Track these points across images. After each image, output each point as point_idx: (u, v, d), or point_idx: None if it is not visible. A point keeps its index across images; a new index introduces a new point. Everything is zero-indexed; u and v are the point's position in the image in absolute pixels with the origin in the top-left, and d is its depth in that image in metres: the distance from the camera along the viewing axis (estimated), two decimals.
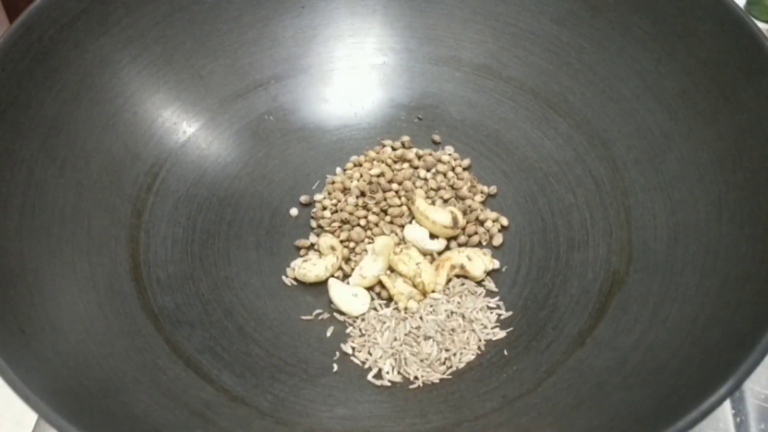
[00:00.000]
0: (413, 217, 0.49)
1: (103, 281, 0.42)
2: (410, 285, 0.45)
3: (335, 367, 0.43)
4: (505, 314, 0.45)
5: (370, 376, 0.42)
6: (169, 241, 0.47)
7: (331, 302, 0.45)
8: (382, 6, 0.54)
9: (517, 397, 0.40)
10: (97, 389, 0.36)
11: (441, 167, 0.51)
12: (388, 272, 0.46)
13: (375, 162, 0.51)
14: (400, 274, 0.46)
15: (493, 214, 0.49)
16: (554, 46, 0.51)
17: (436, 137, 0.53)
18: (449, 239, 0.48)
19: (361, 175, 0.50)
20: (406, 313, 0.44)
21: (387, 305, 0.45)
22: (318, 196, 0.50)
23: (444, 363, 0.43)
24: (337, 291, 0.45)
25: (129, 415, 0.36)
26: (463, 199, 0.50)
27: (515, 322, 0.44)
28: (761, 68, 0.41)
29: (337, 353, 0.43)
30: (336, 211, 0.49)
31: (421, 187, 0.50)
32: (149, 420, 0.36)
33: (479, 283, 0.46)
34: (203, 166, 0.50)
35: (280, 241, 0.48)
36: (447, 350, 0.43)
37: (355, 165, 0.52)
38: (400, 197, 0.49)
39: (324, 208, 0.49)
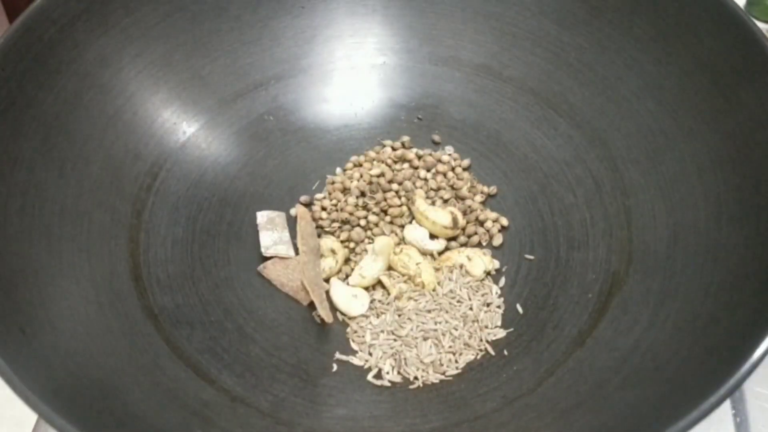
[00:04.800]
0: (413, 218, 0.49)
1: (103, 281, 0.42)
2: (410, 285, 0.45)
3: (335, 367, 0.43)
4: (504, 314, 0.45)
5: (370, 376, 0.42)
6: (169, 241, 0.47)
7: (331, 302, 0.45)
8: (382, 6, 0.54)
9: (517, 397, 0.40)
10: (97, 389, 0.36)
11: (441, 167, 0.51)
12: (388, 272, 0.46)
13: (375, 162, 0.51)
14: (400, 274, 0.46)
15: (493, 214, 0.49)
16: (554, 46, 0.51)
17: (436, 137, 0.53)
18: (449, 239, 0.48)
19: (361, 175, 0.50)
20: (405, 313, 0.44)
21: (387, 305, 0.45)
22: (318, 196, 0.50)
23: (444, 363, 0.43)
24: (337, 291, 0.45)
25: (129, 415, 0.36)
26: (463, 199, 0.50)
27: (515, 322, 0.44)
28: (761, 68, 0.41)
29: (337, 353, 0.43)
30: (336, 212, 0.49)
31: (421, 188, 0.50)
32: (149, 420, 0.36)
33: (479, 283, 0.46)
34: (203, 166, 0.50)
35: None
36: (447, 350, 0.43)
37: (355, 165, 0.52)
38: (400, 197, 0.49)
39: (324, 209, 0.49)
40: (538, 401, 0.39)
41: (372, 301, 0.45)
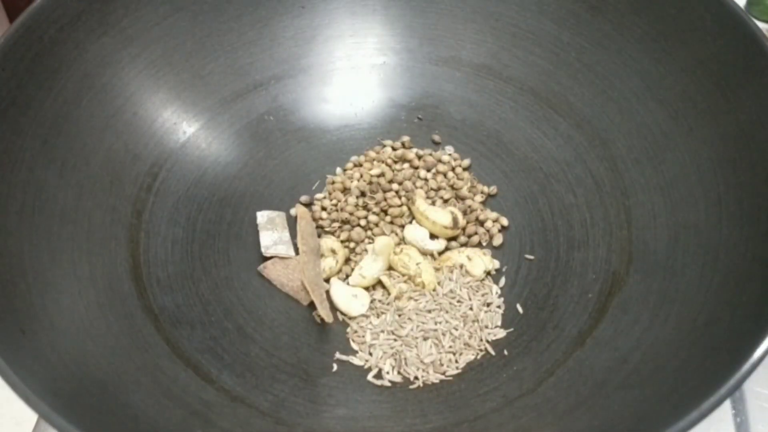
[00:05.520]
0: (413, 218, 0.49)
1: (103, 281, 0.42)
2: (410, 285, 0.45)
3: (335, 367, 0.43)
4: (504, 314, 0.45)
5: (370, 376, 0.42)
6: (169, 241, 0.47)
7: (331, 302, 0.45)
8: (382, 6, 0.54)
9: (517, 397, 0.40)
10: (97, 389, 0.36)
11: (441, 167, 0.51)
12: (388, 272, 0.46)
13: (375, 162, 0.51)
14: (400, 274, 0.46)
15: (493, 214, 0.49)
16: (554, 46, 0.51)
17: (436, 137, 0.53)
18: (449, 239, 0.48)
19: (362, 175, 0.50)
20: (406, 313, 0.44)
21: (387, 305, 0.45)
22: (318, 196, 0.50)
23: (444, 363, 0.43)
24: (337, 291, 0.45)
25: (129, 415, 0.36)
26: (463, 199, 0.50)
27: (515, 322, 0.44)
28: (761, 68, 0.41)
29: (337, 353, 0.43)
30: (336, 212, 0.49)
31: (421, 188, 0.50)
32: (149, 420, 0.36)
33: (479, 283, 0.46)
34: (203, 166, 0.50)
35: None
36: (447, 350, 0.43)
37: (355, 165, 0.52)
38: (400, 197, 0.49)
39: (324, 209, 0.49)
40: (538, 401, 0.39)
41: (372, 301, 0.45)
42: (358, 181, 0.50)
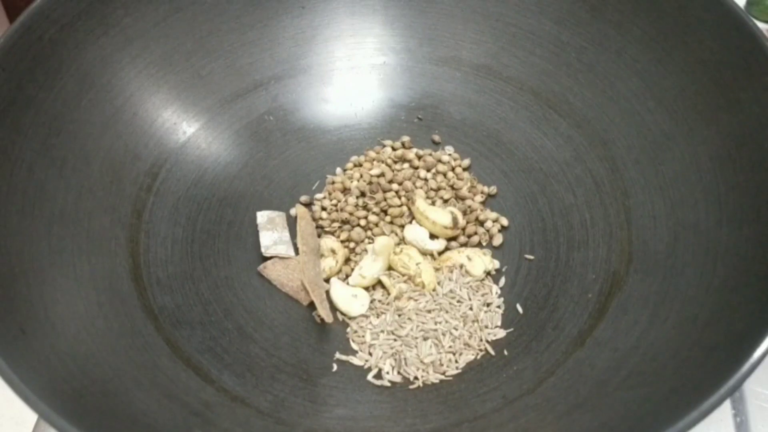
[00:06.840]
0: (413, 218, 0.49)
1: (103, 281, 0.42)
2: (410, 285, 0.45)
3: (335, 367, 0.43)
4: (504, 314, 0.45)
5: (370, 376, 0.42)
6: (169, 241, 0.47)
7: (331, 302, 0.45)
8: (382, 6, 0.54)
9: (517, 397, 0.40)
10: (97, 389, 0.36)
11: (441, 167, 0.51)
12: (388, 272, 0.46)
13: (375, 162, 0.51)
14: (400, 274, 0.46)
15: (493, 214, 0.49)
16: (554, 46, 0.51)
17: (436, 137, 0.53)
18: (449, 239, 0.48)
19: (361, 176, 0.50)
20: (406, 313, 0.44)
21: (387, 305, 0.45)
22: (318, 196, 0.50)
23: (444, 363, 0.43)
24: (337, 291, 0.45)
25: (129, 415, 0.36)
26: (463, 199, 0.50)
27: (515, 322, 0.44)
28: (761, 68, 0.41)
29: (337, 353, 0.43)
30: (336, 212, 0.49)
31: (421, 188, 0.50)
32: (149, 420, 0.36)
33: (479, 283, 0.46)
34: (203, 166, 0.50)
35: None
36: (447, 350, 0.43)
37: (355, 165, 0.52)
38: (400, 197, 0.49)
39: (324, 209, 0.49)
40: (538, 401, 0.39)
41: (372, 301, 0.45)
42: (358, 181, 0.50)
